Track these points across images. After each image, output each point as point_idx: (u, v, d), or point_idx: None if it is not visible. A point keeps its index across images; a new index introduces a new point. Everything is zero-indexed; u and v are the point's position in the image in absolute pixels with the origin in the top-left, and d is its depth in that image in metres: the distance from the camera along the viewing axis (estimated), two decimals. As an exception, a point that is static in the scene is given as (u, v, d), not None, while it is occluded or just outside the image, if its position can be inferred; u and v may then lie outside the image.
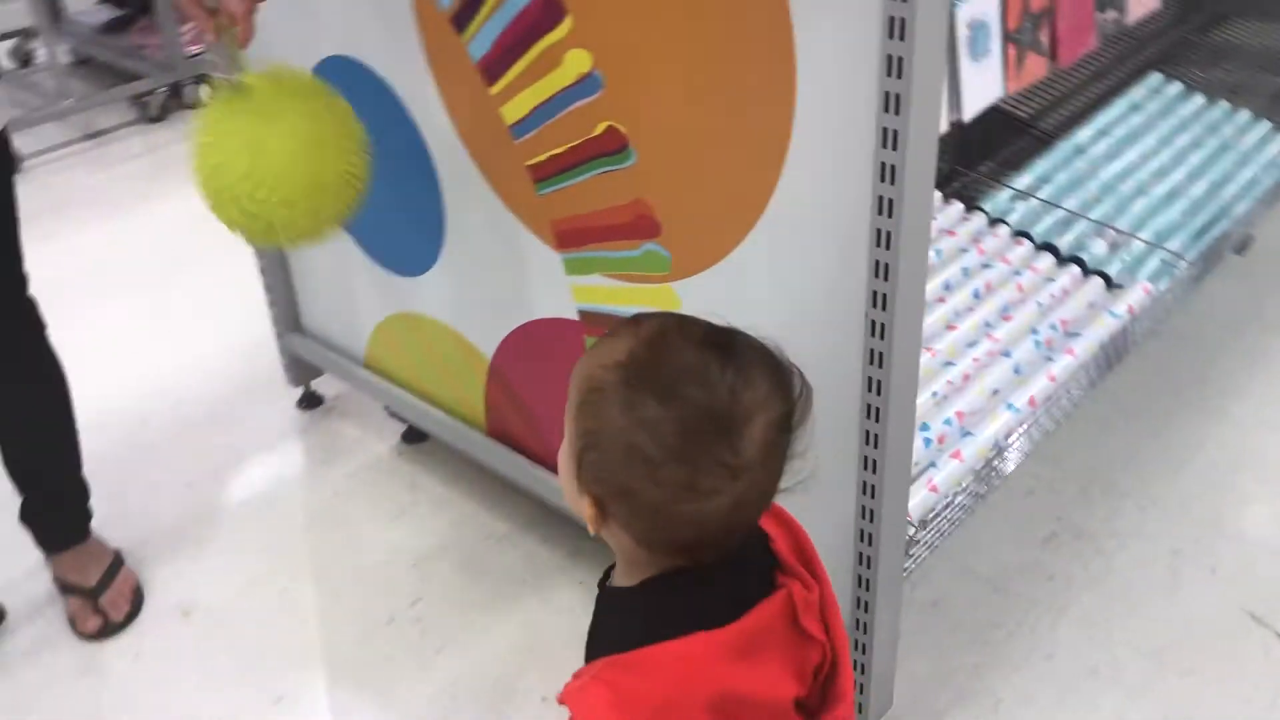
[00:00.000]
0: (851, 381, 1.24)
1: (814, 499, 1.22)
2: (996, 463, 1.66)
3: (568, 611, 1.73)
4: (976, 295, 1.93)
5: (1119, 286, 1.97)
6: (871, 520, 1.31)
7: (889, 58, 1.04)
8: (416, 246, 1.75)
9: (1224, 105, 2.51)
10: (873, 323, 1.19)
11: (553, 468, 1.74)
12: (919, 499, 1.53)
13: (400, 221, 1.75)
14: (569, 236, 1.50)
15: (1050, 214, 2.13)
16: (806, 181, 1.19)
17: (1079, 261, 2.02)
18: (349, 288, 1.96)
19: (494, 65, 1.44)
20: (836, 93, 1.11)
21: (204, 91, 1.35)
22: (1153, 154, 2.34)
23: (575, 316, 1.56)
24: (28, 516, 1.77)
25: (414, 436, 2.13)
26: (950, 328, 1.85)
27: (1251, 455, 2.01)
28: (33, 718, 1.66)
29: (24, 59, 3.97)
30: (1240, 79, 2.64)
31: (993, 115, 2.53)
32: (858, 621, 1.40)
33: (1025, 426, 1.72)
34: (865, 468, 1.28)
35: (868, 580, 1.36)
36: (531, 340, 1.67)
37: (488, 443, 1.83)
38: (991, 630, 1.69)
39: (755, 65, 1.16)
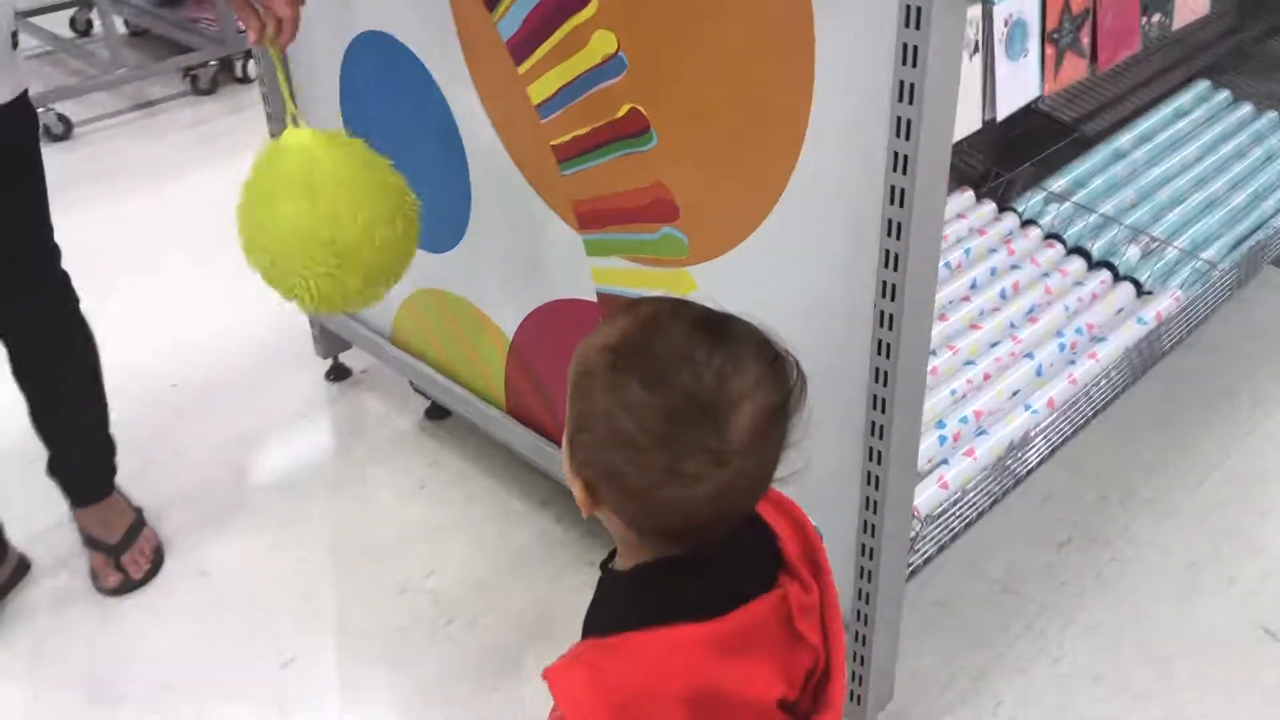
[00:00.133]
0: (858, 372, 1.24)
1: (817, 489, 1.23)
2: (1012, 463, 1.65)
3: (577, 590, 1.75)
4: (1003, 296, 1.92)
5: (1149, 293, 1.94)
6: (875, 512, 1.31)
7: (905, 46, 1.04)
8: (443, 222, 1.77)
9: (1272, 115, 2.47)
10: (881, 313, 1.19)
11: (568, 447, 1.75)
12: (928, 494, 1.52)
13: (429, 197, 1.76)
14: (590, 218, 1.51)
15: (1084, 218, 2.11)
16: (821, 170, 1.19)
17: (1110, 267, 1.99)
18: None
19: (522, 44, 1.46)
20: (853, 80, 1.11)
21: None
22: (1194, 161, 2.30)
23: (593, 298, 1.57)
24: (55, 470, 1.81)
25: (437, 413, 2.16)
26: (974, 327, 1.84)
27: (1278, 470, 1.98)
28: (50, 667, 1.70)
29: (82, 29, 4.05)
30: (1293, 90, 2.60)
31: (1034, 118, 2.51)
32: (858, 613, 1.40)
33: (1044, 429, 1.70)
34: (870, 459, 1.28)
35: (869, 572, 1.36)
36: (551, 320, 1.68)
37: (506, 420, 1.85)
38: (999, 631, 1.69)
39: (775, 51, 1.17)
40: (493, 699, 1.62)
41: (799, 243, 1.26)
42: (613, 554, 0.93)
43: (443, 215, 1.76)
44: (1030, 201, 2.16)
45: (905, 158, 1.09)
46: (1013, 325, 1.85)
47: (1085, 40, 2.01)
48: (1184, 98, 2.48)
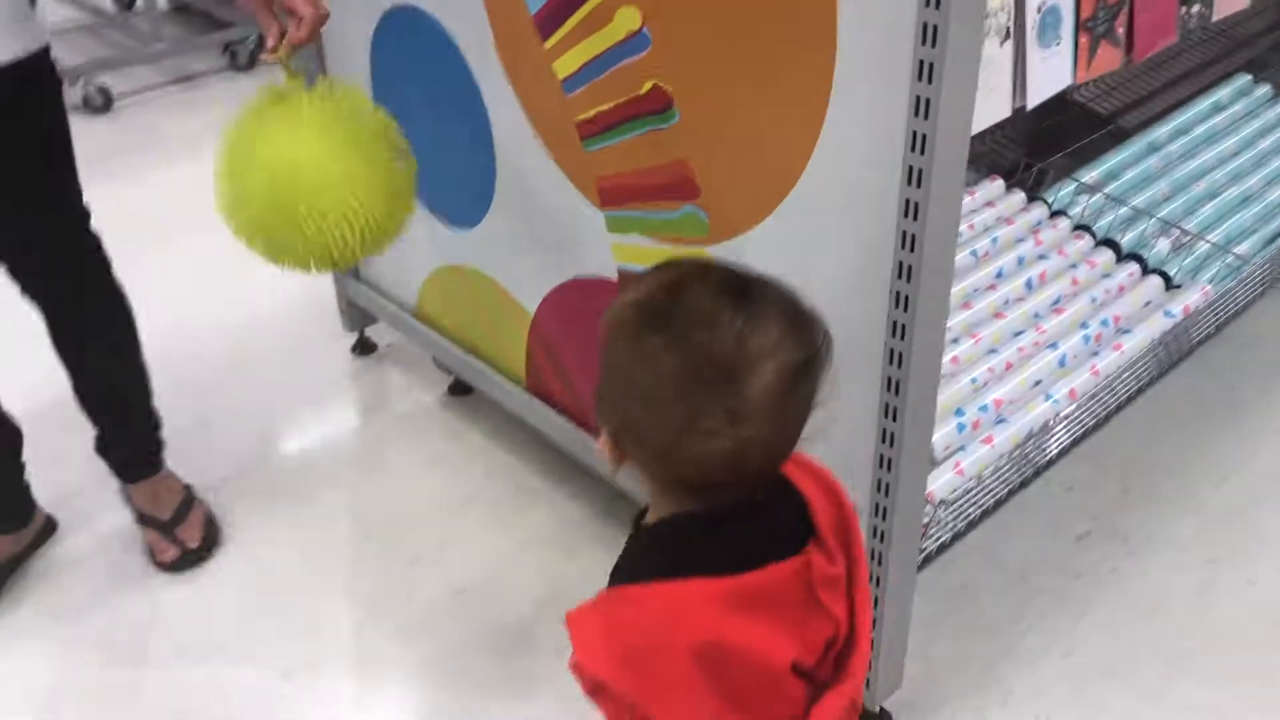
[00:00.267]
0: (873, 353, 1.24)
1: (830, 467, 1.22)
2: (1031, 453, 1.64)
3: (590, 567, 1.76)
4: (1029, 286, 1.90)
5: (1178, 287, 1.92)
6: (887, 494, 1.31)
7: (924, 25, 1.03)
8: (469, 198, 1.78)
9: (1313, 112, 2.43)
10: (897, 294, 1.18)
11: (586, 425, 1.76)
12: (944, 480, 1.52)
13: (455, 172, 1.78)
14: (612, 194, 1.51)
15: (1115, 210, 2.09)
16: (841, 149, 1.19)
17: (1139, 259, 1.97)
18: (405, 237, 1.99)
19: (549, 19, 1.46)
20: (873, 59, 1.11)
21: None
22: (1231, 156, 2.27)
23: (614, 276, 1.58)
24: (101, 449, 1.81)
25: (459, 389, 2.17)
26: (998, 315, 1.83)
27: (1306, 470, 1.96)
28: (72, 628, 1.73)
29: (125, 3, 4.09)
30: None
31: (1070, 109, 2.48)
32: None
33: (1065, 420, 1.69)
34: (883, 441, 1.28)
35: (880, 554, 1.35)
36: (571, 298, 1.69)
37: (525, 397, 1.86)
38: (1012, 622, 1.68)
39: (797, 30, 1.16)
40: (504, 670, 1.63)
41: (818, 223, 1.25)
42: (645, 510, 0.95)
43: (467, 191, 1.77)
44: (1061, 192, 2.14)
45: (924, 137, 1.08)
46: (1037, 315, 1.84)
47: (1120, 30, 1.99)
48: (1223, 91, 2.45)
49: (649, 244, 1.50)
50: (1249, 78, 2.52)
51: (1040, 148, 2.29)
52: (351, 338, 2.30)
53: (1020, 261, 1.95)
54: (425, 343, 2.07)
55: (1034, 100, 1.87)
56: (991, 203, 2.09)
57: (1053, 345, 1.77)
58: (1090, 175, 2.18)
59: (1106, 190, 2.14)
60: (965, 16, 1.02)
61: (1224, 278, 1.94)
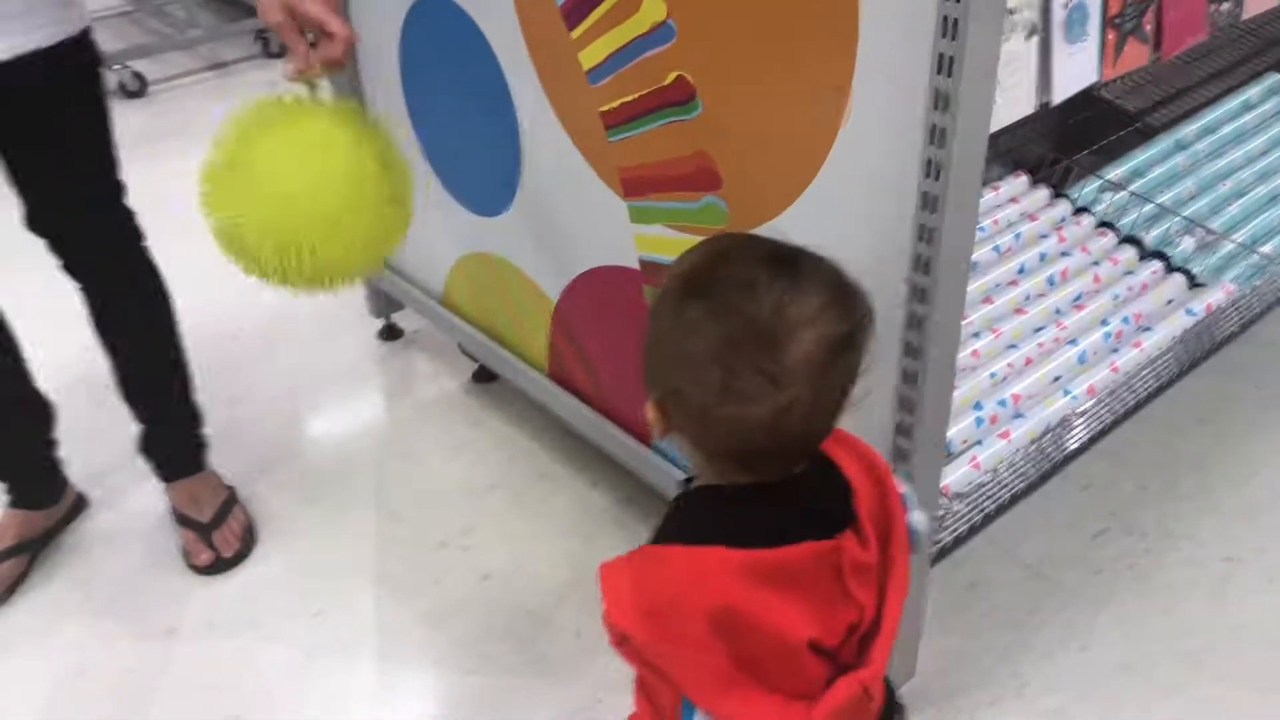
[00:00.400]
0: (890, 344, 1.25)
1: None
2: (1048, 448, 1.65)
3: (610, 553, 1.74)
4: (1051, 282, 1.91)
5: (1201, 285, 1.92)
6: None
7: (944, 19, 1.04)
8: (494, 186, 1.80)
9: (1344, 112, 2.42)
10: (914, 286, 1.19)
11: (607, 413, 1.78)
12: (960, 473, 1.53)
13: (482, 161, 1.80)
14: (634, 184, 1.53)
15: (1139, 207, 2.08)
16: (860, 142, 1.20)
17: (1163, 257, 1.97)
18: (432, 225, 2.02)
19: (576, 10, 1.48)
20: (894, 52, 1.12)
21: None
22: (1259, 155, 2.26)
23: (636, 265, 1.59)
24: (145, 447, 1.83)
25: (484, 376, 2.19)
26: (1019, 311, 1.83)
27: (1329, 471, 1.95)
28: (101, 602, 1.77)
29: (161, -10, 4.14)
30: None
31: (1097, 106, 2.48)
32: (882, 586, 1.41)
33: (1084, 416, 1.69)
34: (898, 433, 1.29)
35: (894, 546, 1.37)
36: (594, 287, 1.71)
37: (548, 385, 1.88)
38: (1028, 616, 1.68)
39: (819, 23, 1.17)
40: (524, 654, 1.66)
41: (837, 214, 1.26)
42: (692, 479, 0.99)
43: (493, 180, 1.79)
44: (1085, 189, 2.13)
45: (943, 130, 1.09)
46: (1058, 311, 1.84)
47: (1149, 26, 1.98)
48: (1252, 90, 2.44)
49: (672, 234, 1.51)
50: (1278, 76, 2.50)
51: (1067, 144, 2.29)
52: (378, 323, 2.33)
53: (1042, 258, 1.95)
54: (450, 329, 2.09)
55: (1059, 96, 1.87)
56: (1015, 198, 2.10)
57: (1073, 341, 1.77)
58: (1116, 172, 2.18)
59: (1132, 188, 2.14)
60: (985, 10, 1.03)
61: (1249, 277, 1.94)
